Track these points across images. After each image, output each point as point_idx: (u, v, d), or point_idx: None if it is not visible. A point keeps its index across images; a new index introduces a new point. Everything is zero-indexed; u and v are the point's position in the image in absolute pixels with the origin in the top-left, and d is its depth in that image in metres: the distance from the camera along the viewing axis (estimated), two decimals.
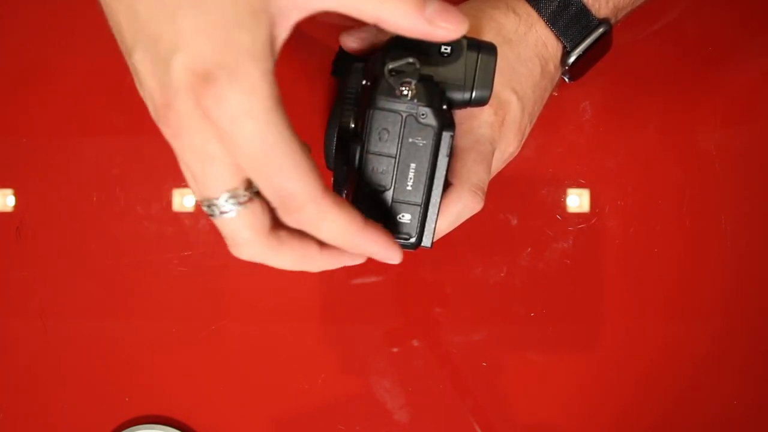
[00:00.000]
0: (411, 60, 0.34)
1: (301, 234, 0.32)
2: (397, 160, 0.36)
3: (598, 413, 0.51)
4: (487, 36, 0.42)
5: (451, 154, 0.39)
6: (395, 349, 0.51)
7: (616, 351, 0.51)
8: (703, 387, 0.51)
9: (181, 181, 0.51)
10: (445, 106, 0.36)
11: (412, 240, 0.37)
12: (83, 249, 0.51)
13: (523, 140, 0.45)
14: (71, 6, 0.52)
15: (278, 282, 0.51)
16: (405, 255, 0.50)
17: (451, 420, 0.50)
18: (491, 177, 0.44)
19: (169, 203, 0.51)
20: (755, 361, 0.51)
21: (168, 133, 0.29)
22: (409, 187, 0.36)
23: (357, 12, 0.29)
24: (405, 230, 0.37)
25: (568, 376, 0.50)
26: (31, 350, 0.51)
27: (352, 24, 0.48)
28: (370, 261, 0.50)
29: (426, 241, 0.38)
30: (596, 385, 0.51)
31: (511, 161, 0.47)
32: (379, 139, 0.35)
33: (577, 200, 0.51)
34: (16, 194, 0.51)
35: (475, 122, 0.42)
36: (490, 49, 0.38)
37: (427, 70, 0.37)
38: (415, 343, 0.51)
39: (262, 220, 0.31)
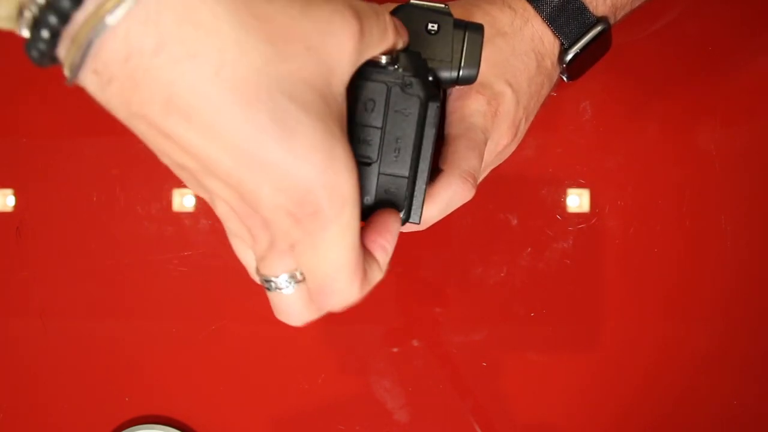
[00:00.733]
0: None
1: None
2: (383, 131, 0.35)
3: (598, 413, 0.51)
4: None
5: (439, 129, 0.39)
6: (395, 349, 0.51)
7: (616, 351, 0.51)
8: (703, 387, 0.51)
9: (181, 181, 0.51)
10: (431, 78, 0.36)
11: (401, 215, 0.37)
12: (83, 249, 0.51)
13: (519, 135, 0.45)
14: None
15: None
16: (404, 255, 0.51)
17: (451, 420, 0.50)
18: (485, 170, 0.44)
19: (169, 203, 0.51)
20: (755, 361, 0.51)
21: (250, 225, 0.30)
22: (395, 159, 0.36)
23: None
24: (392, 204, 0.37)
25: (568, 376, 0.50)
26: (31, 350, 0.51)
27: None
28: None
29: (414, 216, 0.37)
30: (596, 385, 0.51)
31: (511, 161, 0.47)
32: (365, 109, 0.35)
33: (577, 200, 0.51)
34: (16, 194, 0.51)
35: (467, 111, 0.41)
36: (477, 28, 0.38)
37: (415, 48, 0.36)
38: (415, 343, 0.51)
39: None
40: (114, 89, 0.25)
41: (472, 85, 0.41)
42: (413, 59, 0.35)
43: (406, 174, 0.36)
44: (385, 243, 0.34)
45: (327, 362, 0.51)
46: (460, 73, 0.37)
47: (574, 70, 0.46)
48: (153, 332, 0.51)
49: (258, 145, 0.26)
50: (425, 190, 0.37)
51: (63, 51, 0.26)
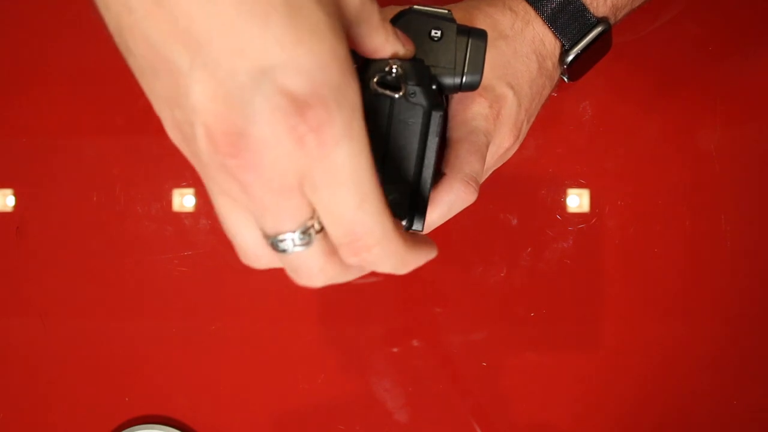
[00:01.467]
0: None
1: None
2: (386, 140, 0.35)
3: (598, 413, 0.51)
4: None
5: (442, 136, 0.39)
6: (395, 349, 0.51)
7: (616, 351, 0.51)
8: (702, 387, 0.51)
9: (181, 181, 0.51)
10: (435, 87, 0.36)
11: (404, 223, 0.37)
12: (83, 249, 0.51)
13: (520, 137, 0.45)
14: (71, 6, 0.52)
15: (278, 282, 0.51)
16: None
17: (451, 420, 0.50)
18: (487, 173, 0.44)
19: (169, 203, 0.51)
20: (755, 361, 0.51)
21: (234, 165, 0.25)
22: (399, 168, 0.36)
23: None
24: (396, 212, 0.37)
25: (568, 376, 0.50)
26: (31, 350, 0.51)
27: None
28: None
29: (417, 225, 0.37)
30: (596, 385, 0.51)
31: (511, 161, 0.47)
32: (368, 119, 0.35)
33: (577, 200, 0.51)
34: (16, 194, 0.51)
35: (469, 114, 0.41)
36: (480, 34, 0.38)
37: (418, 54, 0.36)
38: (415, 343, 0.51)
39: (332, 246, 0.29)
40: None
41: None
42: (417, 67, 0.34)
43: (410, 183, 0.36)
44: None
45: (327, 362, 0.51)
46: (464, 79, 0.37)
47: (574, 71, 0.46)
48: (153, 332, 0.51)
49: (247, 18, 0.23)
50: (428, 199, 0.37)
51: None
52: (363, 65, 0.35)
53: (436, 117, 0.35)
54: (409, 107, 0.35)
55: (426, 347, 0.51)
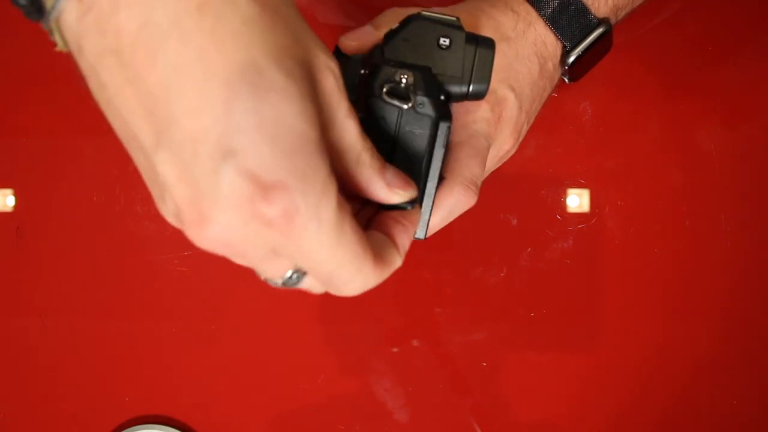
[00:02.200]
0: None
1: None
2: (393, 149, 0.35)
3: (598, 413, 0.51)
4: (485, 33, 0.42)
5: (447, 147, 0.39)
6: (395, 349, 0.51)
7: (615, 351, 0.51)
8: (702, 387, 0.51)
9: None
10: (443, 97, 0.36)
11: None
12: (83, 249, 0.51)
13: (520, 139, 0.45)
14: None
15: None
16: (405, 254, 0.51)
17: (451, 420, 0.50)
18: (486, 175, 0.44)
19: None
20: (755, 361, 0.51)
21: (206, 242, 0.26)
22: None
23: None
24: None
25: (568, 376, 0.50)
26: (31, 350, 0.51)
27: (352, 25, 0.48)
28: None
29: (419, 233, 0.37)
30: (596, 385, 0.51)
31: (511, 161, 0.47)
32: (376, 124, 0.35)
33: (577, 200, 0.51)
34: (16, 194, 0.51)
35: (470, 117, 0.41)
36: (489, 43, 0.38)
37: (426, 62, 0.36)
38: (415, 343, 0.51)
39: None
40: (91, 17, 0.24)
41: None
42: (426, 78, 0.35)
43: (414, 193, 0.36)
44: (407, 223, 0.32)
45: (327, 362, 0.51)
46: (470, 89, 0.37)
47: (575, 71, 0.46)
48: (153, 332, 0.51)
49: (217, 97, 0.23)
50: (432, 209, 0.37)
51: None
52: (372, 71, 0.35)
53: (443, 128, 0.36)
54: (417, 117, 0.35)
55: (426, 347, 0.51)
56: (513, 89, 0.42)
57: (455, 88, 0.37)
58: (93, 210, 0.51)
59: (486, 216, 0.51)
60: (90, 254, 0.51)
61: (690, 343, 0.51)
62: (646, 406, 0.51)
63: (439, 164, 0.36)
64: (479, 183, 0.40)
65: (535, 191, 0.51)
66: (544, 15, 0.43)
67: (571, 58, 0.44)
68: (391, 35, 0.37)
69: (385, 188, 0.31)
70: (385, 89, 0.34)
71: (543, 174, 0.51)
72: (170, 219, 0.26)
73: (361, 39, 0.42)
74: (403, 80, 0.34)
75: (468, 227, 0.51)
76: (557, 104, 0.50)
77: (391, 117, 0.35)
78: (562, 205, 0.51)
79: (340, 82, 0.27)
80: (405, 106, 0.34)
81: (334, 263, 0.27)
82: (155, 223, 0.51)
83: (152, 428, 0.50)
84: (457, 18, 0.38)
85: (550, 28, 0.43)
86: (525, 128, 0.45)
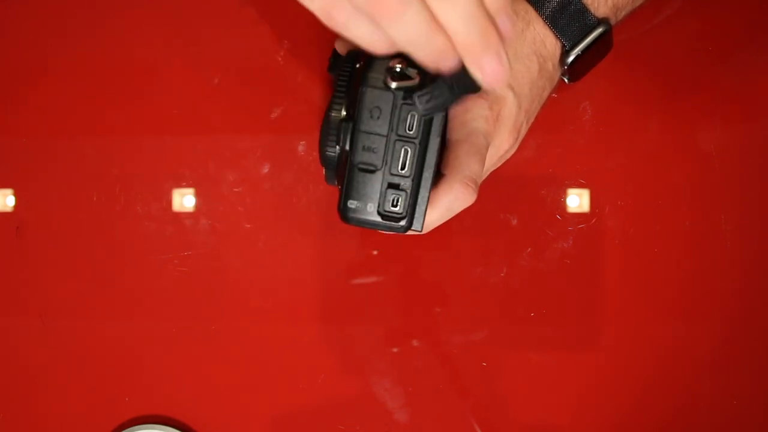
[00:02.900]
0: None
1: None
2: (388, 139, 0.36)
3: (598, 413, 0.51)
4: None
5: (443, 136, 0.39)
6: (395, 349, 0.51)
7: (616, 351, 0.51)
8: (702, 387, 0.51)
9: (181, 181, 0.51)
10: None
11: (403, 222, 0.37)
12: (83, 249, 0.51)
13: (519, 138, 0.45)
14: (71, 6, 0.52)
15: (278, 282, 0.51)
16: (404, 255, 0.51)
17: (451, 420, 0.50)
18: (485, 174, 0.44)
19: (169, 203, 0.51)
20: (755, 361, 0.51)
21: None
22: (399, 167, 0.36)
23: None
24: (395, 211, 0.37)
25: (568, 376, 0.50)
26: (31, 350, 0.51)
27: None
28: (370, 261, 0.51)
29: (416, 224, 0.37)
30: (596, 385, 0.51)
31: (511, 161, 0.47)
32: (371, 117, 0.35)
33: (577, 200, 0.51)
34: (16, 194, 0.51)
35: (469, 115, 0.41)
36: None
37: None
38: (415, 343, 0.51)
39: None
40: None
41: None
42: (419, 68, 0.35)
43: (410, 182, 0.36)
44: None
45: (327, 362, 0.51)
46: None
47: (575, 71, 0.46)
48: (153, 332, 0.51)
49: None
50: (428, 199, 0.37)
51: None
52: (366, 63, 0.35)
53: (438, 117, 0.36)
54: (412, 107, 0.35)
55: (426, 347, 0.51)
56: (512, 88, 0.42)
57: None
58: (93, 210, 0.51)
59: (486, 216, 0.51)
60: (90, 254, 0.51)
61: (690, 343, 0.51)
62: (646, 405, 0.51)
63: (435, 154, 0.36)
64: (479, 180, 0.40)
65: (535, 191, 0.51)
66: (543, 14, 0.43)
67: (571, 58, 0.44)
68: None
69: None
70: (386, 74, 0.34)
71: (543, 174, 0.51)
72: None
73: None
74: (398, 68, 0.34)
75: (468, 227, 0.51)
76: (557, 104, 0.50)
77: (386, 107, 0.35)
78: (562, 205, 0.51)
79: None
80: (410, 84, 0.34)
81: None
82: (155, 223, 0.51)
83: (152, 428, 0.50)
84: None
85: (550, 27, 0.43)
86: (524, 127, 0.45)
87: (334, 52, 0.46)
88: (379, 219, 0.37)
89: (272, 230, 0.51)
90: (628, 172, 0.51)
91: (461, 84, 0.34)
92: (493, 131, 0.42)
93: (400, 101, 0.35)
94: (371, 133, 0.36)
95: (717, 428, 0.51)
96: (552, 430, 0.50)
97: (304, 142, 0.51)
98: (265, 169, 0.51)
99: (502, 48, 0.31)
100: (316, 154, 0.51)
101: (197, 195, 0.51)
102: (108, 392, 0.51)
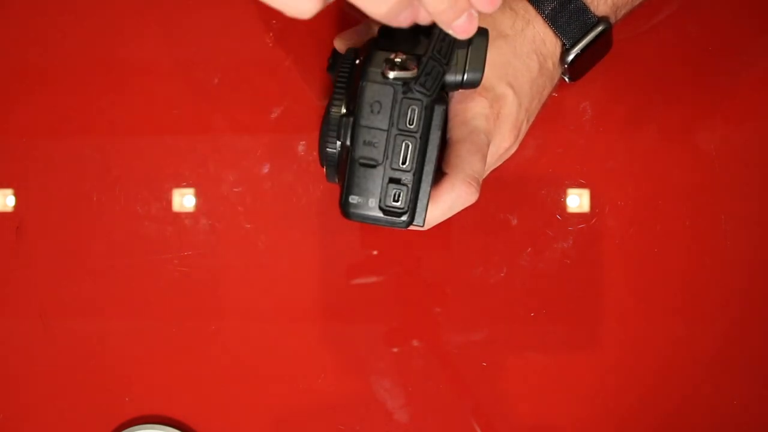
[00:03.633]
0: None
1: None
2: (389, 134, 0.35)
3: (598, 413, 0.51)
4: None
5: (444, 130, 0.39)
6: (395, 349, 0.51)
7: (616, 351, 0.51)
8: (702, 387, 0.51)
9: (181, 181, 0.51)
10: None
11: (404, 217, 0.37)
12: (83, 249, 0.51)
13: (520, 137, 0.45)
14: (71, 6, 0.52)
15: (278, 282, 0.51)
16: (404, 255, 0.51)
17: (451, 420, 0.50)
18: (486, 172, 0.44)
19: (169, 203, 0.51)
20: (755, 361, 0.51)
21: None
22: (401, 162, 0.36)
23: None
24: (397, 206, 0.36)
25: (568, 376, 0.50)
26: (31, 350, 0.51)
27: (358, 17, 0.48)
28: (370, 261, 0.51)
29: (418, 219, 0.37)
30: (596, 385, 0.51)
31: (511, 161, 0.47)
32: (372, 111, 0.35)
33: (577, 200, 0.51)
34: (16, 194, 0.51)
35: (469, 114, 0.41)
36: (482, 32, 0.37)
37: (419, 51, 0.36)
38: (415, 343, 0.51)
39: None
40: None
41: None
42: (420, 60, 0.35)
43: (411, 177, 0.36)
44: None
45: (327, 362, 0.51)
46: (465, 77, 0.37)
47: (575, 70, 0.46)
48: (153, 332, 0.51)
49: None
50: (429, 193, 0.37)
51: None
52: (366, 58, 0.35)
53: (438, 110, 0.36)
54: (412, 101, 0.35)
55: (426, 347, 0.51)
56: (512, 86, 0.42)
57: (450, 77, 0.37)
58: (93, 210, 0.51)
59: (486, 216, 0.51)
60: (90, 254, 0.51)
61: (690, 343, 0.51)
62: (646, 405, 0.51)
63: (436, 147, 0.36)
64: (480, 179, 0.40)
65: (535, 191, 0.51)
66: (543, 13, 0.43)
67: (571, 57, 0.44)
68: (385, 29, 0.37)
69: None
70: (385, 66, 0.34)
71: (543, 174, 0.51)
72: None
73: (353, 38, 0.43)
74: (397, 60, 0.34)
75: (468, 227, 0.51)
76: (557, 104, 0.50)
77: (387, 101, 0.35)
78: (562, 205, 0.51)
79: None
80: (409, 74, 0.34)
81: None
82: (155, 223, 0.51)
83: (152, 428, 0.50)
84: None
85: (549, 25, 0.43)
86: (525, 126, 0.45)
87: (334, 52, 0.46)
88: (380, 214, 0.36)
89: (272, 230, 0.51)
90: (628, 172, 0.51)
91: (446, 50, 0.34)
92: (494, 129, 0.42)
93: (400, 95, 0.35)
94: (372, 128, 0.35)
95: (717, 428, 0.51)
96: (552, 430, 0.50)
97: (304, 142, 0.51)
98: (265, 169, 0.51)
99: (470, 3, 0.30)
100: (316, 153, 0.51)
101: (197, 195, 0.51)
102: (108, 392, 0.51)
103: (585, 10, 0.43)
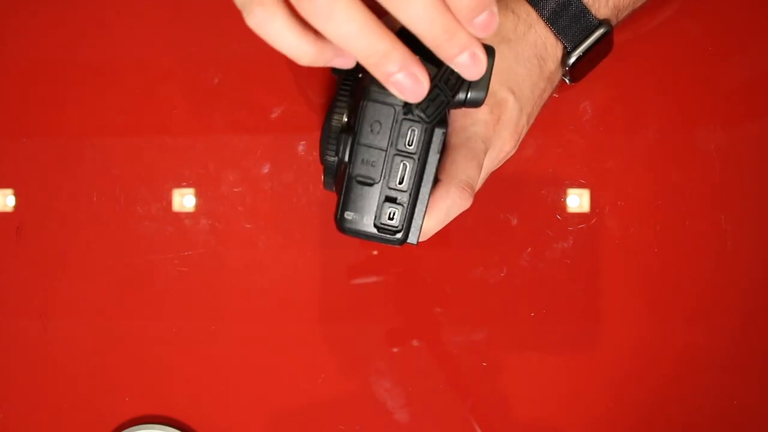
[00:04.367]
0: None
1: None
2: (387, 154, 0.36)
3: (598, 413, 0.51)
4: None
5: (443, 152, 0.39)
6: (395, 349, 0.51)
7: (616, 351, 0.51)
8: (703, 387, 0.51)
9: (181, 181, 0.51)
10: None
11: (399, 235, 0.37)
12: (83, 249, 0.51)
13: (520, 140, 0.45)
14: (71, 6, 0.52)
15: (278, 282, 0.51)
16: (404, 255, 0.51)
17: (451, 420, 0.50)
18: (485, 176, 0.44)
19: (169, 203, 0.51)
20: (756, 361, 0.51)
21: None
22: (397, 182, 0.36)
23: None
24: (391, 225, 0.37)
25: (568, 376, 0.51)
26: (31, 350, 0.51)
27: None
28: (370, 261, 0.51)
29: (412, 238, 0.38)
30: (596, 385, 0.51)
31: (511, 161, 0.47)
32: (371, 131, 0.35)
33: (577, 200, 0.51)
34: (16, 194, 0.51)
35: (468, 120, 0.41)
36: (488, 51, 0.37)
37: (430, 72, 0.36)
38: (415, 343, 0.51)
39: None
40: None
41: None
42: None
43: (407, 198, 0.36)
44: None
45: (327, 362, 0.51)
46: (468, 95, 0.37)
47: (576, 72, 0.46)
48: (153, 332, 0.51)
49: None
50: (424, 214, 0.37)
51: None
52: (369, 75, 0.35)
53: (438, 134, 0.36)
54: (413, 123, 0.35)
55: (426, 347, 0.51)
56: (513, 91, 0.42)
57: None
58: (93, 210, 0.51)
59: (486, 216, 0.51)
60: (90, 254, 0.51)
61: (690, 343, 0.51)
62: (646, 405, 0.51)
63: (433, 170, 0.37)
64: (474, 185, 0.40)
65: (535, 191, 0.51)
66: (545, 16, 0.43)
67: (572, 59, 0.44)
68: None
69: None
70: (381, 94, 0.34)
71: (543, 174, 0.51)
72: None
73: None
74: None
75: (468, 227, 0.51)
76: (557, 104, 0.50)
77: (387, 121, 0.35)
78: (562, 205, 0.51)
79: None
80: (401, 103, 0.34)
81: None
82: (155, 223, 0.51)
83: (152, 428, 0.50)
84: None
85: (551, 29, 0.43)
86: (525, 129, 0.45)
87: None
88: (375, 231, 0.37)
89: (272, 230, 0.51)
90: (628, 172, 0.51)
91: (454, 83, 0.34)
92: (493, 135, 0.42)
93: (400, 116, 0.35)
94: (371, 147, 0.36)
95: (717, 428, 0.51)
96: (552, 430, 0.50)
97: (304, 142, 0.51)
98: (265, 169, 0.51)
99: (474, 42, 0.30)
100: (316, 154, 0.51)
101: (197, 195, 0.51)
102: (108, 392, 0.51)
103: (586, 12, 0.43)
